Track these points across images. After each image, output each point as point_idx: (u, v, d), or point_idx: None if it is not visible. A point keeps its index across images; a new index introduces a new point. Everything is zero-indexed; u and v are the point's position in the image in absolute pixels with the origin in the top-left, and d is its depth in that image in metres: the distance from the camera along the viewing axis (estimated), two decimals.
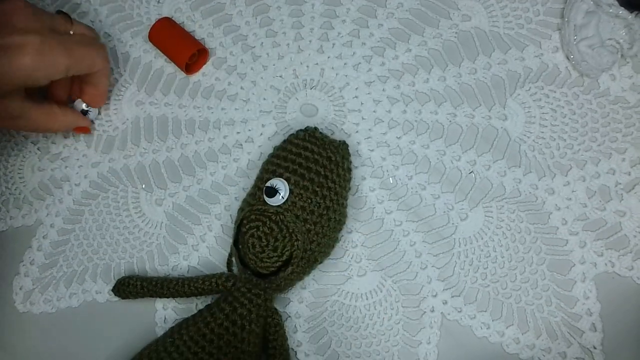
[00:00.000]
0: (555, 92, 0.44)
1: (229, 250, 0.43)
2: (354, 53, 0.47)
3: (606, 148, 0.42)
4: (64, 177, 0.48)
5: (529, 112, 0.44)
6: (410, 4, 0.48)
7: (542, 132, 0.43)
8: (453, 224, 0.42)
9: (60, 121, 0.45)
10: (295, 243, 0.38)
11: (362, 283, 0.42)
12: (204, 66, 0.49)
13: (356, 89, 0.46)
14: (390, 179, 0.44)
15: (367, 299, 0.41)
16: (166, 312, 0.43)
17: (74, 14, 0.52)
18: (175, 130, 0.47)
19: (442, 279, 0.41)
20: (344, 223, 0.42)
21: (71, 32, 0.43)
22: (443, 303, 0.41)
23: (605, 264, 0.40)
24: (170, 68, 0.49)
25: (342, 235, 0.42)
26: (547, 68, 0.45)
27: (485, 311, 0.40)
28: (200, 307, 0.41)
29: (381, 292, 0.41)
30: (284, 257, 0.38)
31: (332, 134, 0.45)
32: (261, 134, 0.46)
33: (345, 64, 0.47)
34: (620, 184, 0.42)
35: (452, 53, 0.46)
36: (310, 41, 0.48)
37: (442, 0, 0.47)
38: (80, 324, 0.44)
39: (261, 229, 0.38)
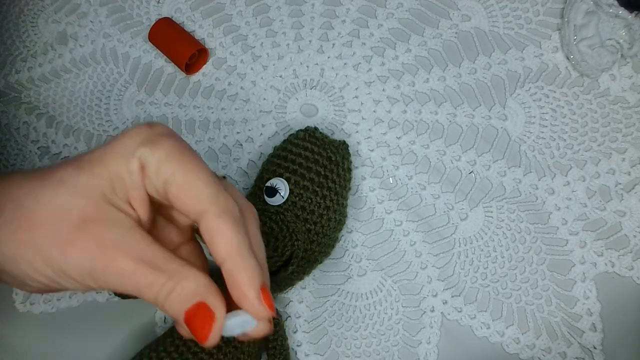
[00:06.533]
0: (555, 92, 0.44)
1: None
2: (354, 53, 0.47)
3: (606, 148, 0.42)
4: None
5: (529, 112, 0.44)
6: (410, 4, 0.48)
7: (542, 132, 0.43)
8: (453, 224, 0.42)
9: None
10: (296, 243, 0.38)
11: (362, 283, 0.42)
12: (204, 66, 0.49)
13: (356, 89, 0.46)
14: (390, 179, 0.44)
15: (367, 299, 0.41)
16: None
17: (73, 14, 0.52)
18: (175, 130, 0.47)
19: (442, 279, 0.41)
20: (344, 223, 0.42)
21: None
22: (443, 303, 0.41)
23: (605, 264, 0.40)
24: (170, 68, 0.49)
25: (342, 235, 0.42)
26: (547, 68, 0.45)
27: (486, 311, 0.40)
28: None
29: (381, 292, 0.41)
30: (284, 257, 0.38)
31: (332, 134, 0.45)
32: (261, 134, 0.46)
33: (345, 64, 0.47)
34: (620, 184, 0.42)
35: (452, 53, 0.46)
36: (310, 41, 0.48)
37: (442, 0, 0.48)
38: (80, 324, 0.44)
39: (261, 229, 0.38)
